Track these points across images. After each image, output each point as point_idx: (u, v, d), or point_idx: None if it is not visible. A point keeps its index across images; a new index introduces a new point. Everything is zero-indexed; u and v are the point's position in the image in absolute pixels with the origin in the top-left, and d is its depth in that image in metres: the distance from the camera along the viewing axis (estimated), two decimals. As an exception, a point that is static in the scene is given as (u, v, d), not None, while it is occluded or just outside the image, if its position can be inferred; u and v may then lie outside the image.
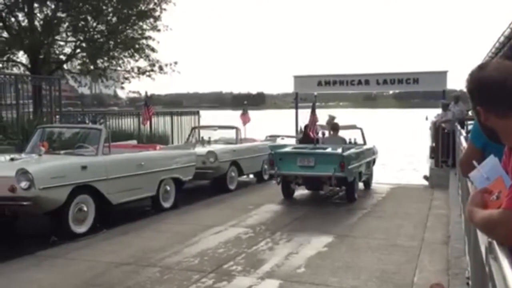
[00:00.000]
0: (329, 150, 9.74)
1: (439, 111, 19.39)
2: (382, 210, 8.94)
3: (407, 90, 27.12)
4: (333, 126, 11.16)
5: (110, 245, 6.48)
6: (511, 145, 1.66)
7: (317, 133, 10.70)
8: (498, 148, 1.75)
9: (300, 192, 10.87)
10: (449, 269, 5.24)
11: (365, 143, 11.22)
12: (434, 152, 13.11)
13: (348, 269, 5.37)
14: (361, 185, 10.67)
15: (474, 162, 1.82)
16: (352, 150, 9.82)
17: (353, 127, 11.83)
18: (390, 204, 9.54)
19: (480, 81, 1.69)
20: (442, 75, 20.19)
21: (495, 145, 1.74)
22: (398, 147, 25.42)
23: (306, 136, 10.86)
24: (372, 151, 11.34)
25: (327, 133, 11.06)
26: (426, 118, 35.37)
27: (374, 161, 11.63)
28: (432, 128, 15.83)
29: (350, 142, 10.96)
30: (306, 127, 11.33)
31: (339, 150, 9.39)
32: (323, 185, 9.50)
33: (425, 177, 13.11)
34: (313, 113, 10.72)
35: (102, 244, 6.52)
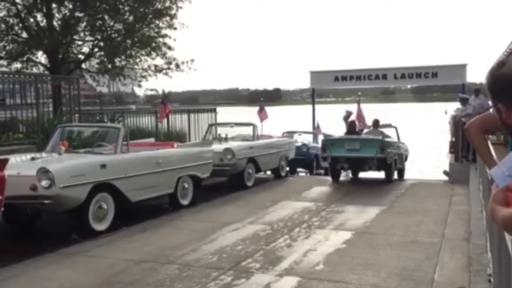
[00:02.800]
0: (371, 136, 12.02)
1: (458, 105, 19.08)
2: (401, 206, 8.86)
3: (425, 84, 26.96)
4: (374, 122, 13.25)
5: (130, 242, 6.54)
6: None
7: (373, 126, 13.06)
8: None
9: (318, 188, 10.85)
10: (470, 266, 5.16)
11: (399, 139, 13.13)
12: (454, 147, 12.92)
13: (367, 266, 5.33)
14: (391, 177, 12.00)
15: (495, 159, 1.78)
16: (390, 139, 12.09)
17: (389, 125, 13.86)
18: (409, 200, 9.44)
19: (501, 77, 1.65)
20: (461, 68, 19.90)
21: None
22: (418, 141, 25.10)
23: (350, 128, 12.92)
24: (405, 147, 13.42)
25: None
26: (446, 112, 34.88)
27: (406, 157, 13.58)
28: (451, 122, 15.60)
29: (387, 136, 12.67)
30: (351, 121, 13.69)
31: (380, 137, 11.71)
32: (366, 166, 11.54)
33: (445, 172, 12.93)
34: (359, 109, 14.58)
35: (121, 242, 6.59)
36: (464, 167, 11.51)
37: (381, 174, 12.08)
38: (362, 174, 12.96)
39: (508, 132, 1.72)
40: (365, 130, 13.31)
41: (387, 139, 11.80)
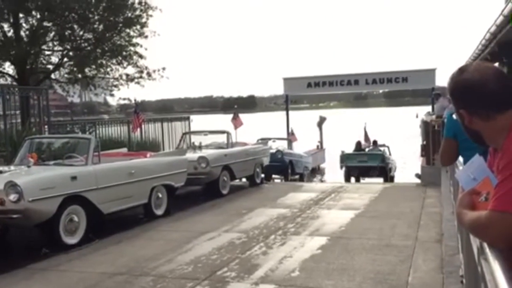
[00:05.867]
0: (376, 152, 17.62)
1: (429, 108, 19.43)
2: (375, 209, 8.94)
3: (396, 88, 27.33)
4: (373, 142, 19.67)
5: (103, 255, 6.41)
6: (496, 146, 1.65)
7: (372, 144, 19.37)
8: (467, 139, 1.77)
9: (293, 195, 10.89)
10: (443, 267, 5.24)
11: (390, 154, 18.89)
12: (425, 150, 13.15)
13: (343, 271, 5.35)
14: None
15: (461, 161, 1.80)
16: (387, 155, 17.70)
17: (383, 145, 19.57)
18: (383, 204, 9.55)
19: (462, 84, 1.68)
20: (431, 73, 20.32)
21: (465, 136, 1.76)
22: (390, 145, 25.47)
23: (357, 146, 18.40)
24: (394, 161, 19.02)
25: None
26: (417, 116, 35.50)
27: (395, 168, 18.79)
28: (422, 126, 15.90)
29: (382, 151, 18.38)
30: (357, 141, 18.88)
31: (379, 153, 17.35)
32: (371, 172, 16.56)
33: (417, 175, 13.15)
34: (365, 135, 21.53)
35: (94, 255, 6.45)
36: (435, 170, 11.72)
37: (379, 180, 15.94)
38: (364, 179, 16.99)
39: (471, 136, 1.75)
40: (367, 149, 18.72)
41: (385, 154, 17.31)
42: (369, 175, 16.42)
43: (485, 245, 1.59)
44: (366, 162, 16.64)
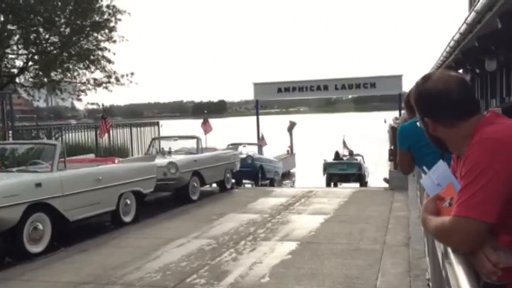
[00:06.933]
0: (353, 161, 19.97)
1: (396, 114, 19.77)
2: (345, 214, 9.02)
3: (365, 94, 27.75)
4: (350, 152, 22.09)
5: (69, 263, 6.25)
6: (459, 153, 1.68)
7: (349, 154, 21.80)
8: (423, 147, 1.82)
9: (264, 200, 10.89)
10: (410, 271, 5.32)
11: (364, 162, 20.83)
12: (392, 155, 13.36)
13: (312, 276, 5.37)
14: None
15: (425, 168, 1.83)
16: (362, 163, 19.97)
17: (358, 154, 21.84)
18: (352, 208, 9.64)
19: (426, 92, 1.70)
20: (398, 78, 20.74)
21: (419, 144, 1.81)
22: (359, 150, 25.82)
23: (336, 156, 20.61)
24: (368, 168, 21.21)
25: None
26: (385, 121, 36.15)
27: (368, 174, 20.63)
28: (390, 131, 16.18)
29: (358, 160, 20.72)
30: (336, 151, 21.11)
31: (357, 162, 19.86)
32: (350, 178, 18.53)
33: (385, 180, 13.35)
34: (344, 144, 23.68)
35: (60, 264, 6.28)
36: (403, 174, 11.91)
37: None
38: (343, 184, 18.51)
39: (435, 144, 1.77)
40: (345, 158, 20.87)
41: (361, 163, 19.75)
42: (348, 181, 18.24)
43: (449, 249, 1.61)
44: (346, 170, 19.00)
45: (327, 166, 19.67)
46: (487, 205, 1.45)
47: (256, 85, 22.80)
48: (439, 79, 1.69)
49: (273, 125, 32.41)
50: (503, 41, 9.43)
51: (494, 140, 1.51)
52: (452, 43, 11.03)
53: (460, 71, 14.78)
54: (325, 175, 19.49)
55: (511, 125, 1.59)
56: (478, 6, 7.01)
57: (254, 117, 23.17)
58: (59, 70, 16.44)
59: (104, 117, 12.30)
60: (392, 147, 13.89)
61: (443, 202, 1.65)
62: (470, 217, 1.46)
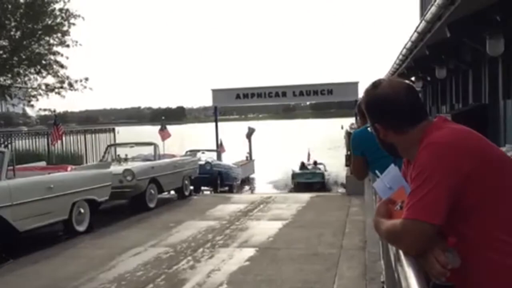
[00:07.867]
0: (317, 171, 21.85)
1: (353, 120, 20.15)
2: (303, 219, 9.08)
3: (322, 100, 28.20)
4: (314, 162, 23.61)
5: (17, 276, 5.99)
6: (409, 157, 1.70)
7: (313, 164, 23.33)
8: (375, 152, 1.84)
9: (223, 206, 10.83)
10: (366, 274, 5.39)
11: (326, 170, 22.64)
12: (349, 160, 13.59)
13: (271, 282, 5.36)
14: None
15: (377, 172, 1.85)
16: (324, 172, 22.07)
17: (321, 163, 23.38)
18: (310, 213, 9.72)
19: (376, 99, 1.72)
20: (354, 85, 21.15)
21: (372, 149, 1.83)
22: (317, 156, 26.15)
23: (302, 166, 22.58)
24: (330, 175, 22.51)
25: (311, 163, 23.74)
26: (342, 127, 36.83)
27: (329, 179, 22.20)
28: (346, 137, 16.47)
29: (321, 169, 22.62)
30: (301, 162, 23.14)
31: (320, 171, 21.81)
32: (315, 186, 20.00)
33: (342, 185, 13.55)
34: (308, 156, 25.30)
35: (8, 276, 6.01)
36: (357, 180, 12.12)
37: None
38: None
39: (386, 149, 1.79)
40: (310, 167, 22.71)
41: (324, 172, 21.96)
42: (313, 189, 19.15)
43: (401, 252, 1.63)
44: (311, 179, 21.01)
45: (295, 176, 21.58)
46: (435, 207, 1.48)
47: (215, 91, 22.74)
48: (388, 86, 1.71)
49: (232, 131, 32.40)
50: (451, 50, 9.80)
51: (440, 145, 1.54)
52: (404, 51, 11.38)
53: (413, 78, 15.25)
54: (293, 184, 21.33)
55: (457, 129, 1.62)
56: (428, 15, 7.26)
57: (213, 124, 23.07)
58: (9, 75, 15.81)
59: (56, 123, 11.91)
60: (349, 153, 14.13)
61: (395, 205, 1.66)
62: (419, 220, 1.48)
